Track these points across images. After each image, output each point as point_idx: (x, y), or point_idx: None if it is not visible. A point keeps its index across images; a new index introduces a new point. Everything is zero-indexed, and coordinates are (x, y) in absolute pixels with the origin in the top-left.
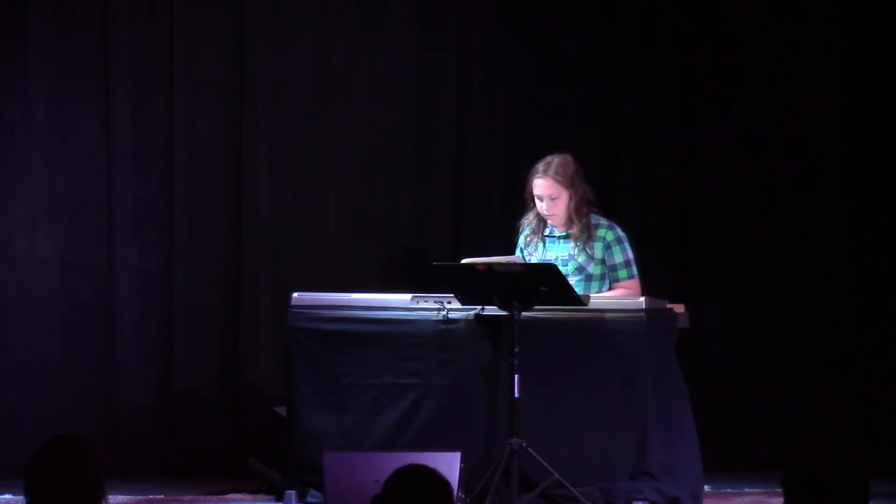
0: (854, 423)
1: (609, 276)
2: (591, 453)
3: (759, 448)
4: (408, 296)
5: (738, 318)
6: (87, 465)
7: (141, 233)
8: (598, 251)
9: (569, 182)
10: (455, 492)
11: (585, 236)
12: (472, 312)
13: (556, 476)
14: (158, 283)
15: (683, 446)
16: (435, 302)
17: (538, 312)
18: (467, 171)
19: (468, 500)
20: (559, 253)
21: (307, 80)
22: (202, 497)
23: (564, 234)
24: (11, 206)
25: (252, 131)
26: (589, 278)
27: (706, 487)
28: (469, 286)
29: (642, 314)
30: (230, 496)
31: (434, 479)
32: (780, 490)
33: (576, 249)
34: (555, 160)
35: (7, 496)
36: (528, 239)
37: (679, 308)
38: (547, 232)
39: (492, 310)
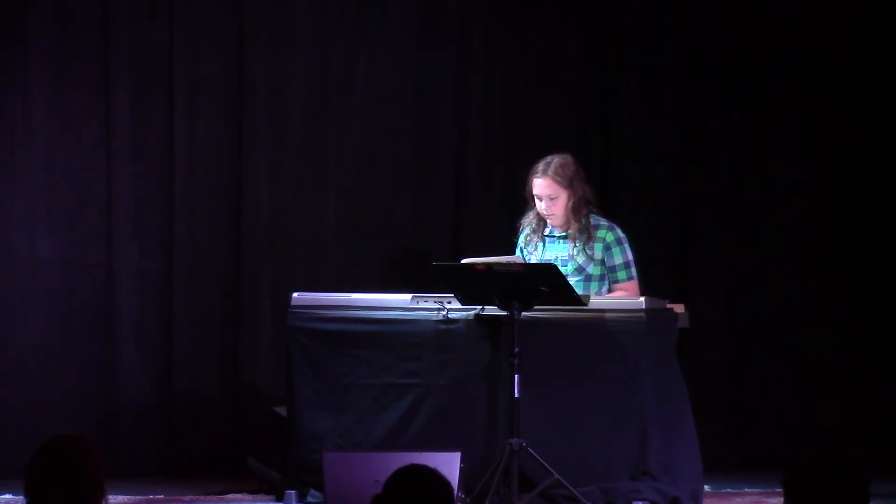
0: (854, 423)
1: (608, 277)
2: (591, 453)
3: (759, 448)
4: (408, 296)
5: (738, 318)
6: (87, 465)
7: (141, 233)
8: (598, 252)
9: (568, 182)
10: (455, 492)
11: (585, 237)
12: (472, 312)
13: (556, 476)
14: (158, 283)
15: (683, 446)
16: (435, 302)
17: (538, 312)
18: (467, 171)
19: (468, 500)
20: (559, 253)
21: (307, 80)
22: (202, 497)
23: (564, 234)
24: (11, 206)
25: (252, 131)
26: (588, 279)
27: (706, 487)
28: (469, 286)
29: (642, 314)
30: (230, 496)
31: (434, 479)
32: (780, 490)
33: (575, 250)
34: (554, 160)
35: (7, 496)
36: (528, 239)
37: (679, 308)
38: (547, 232)
39: (492, 310)
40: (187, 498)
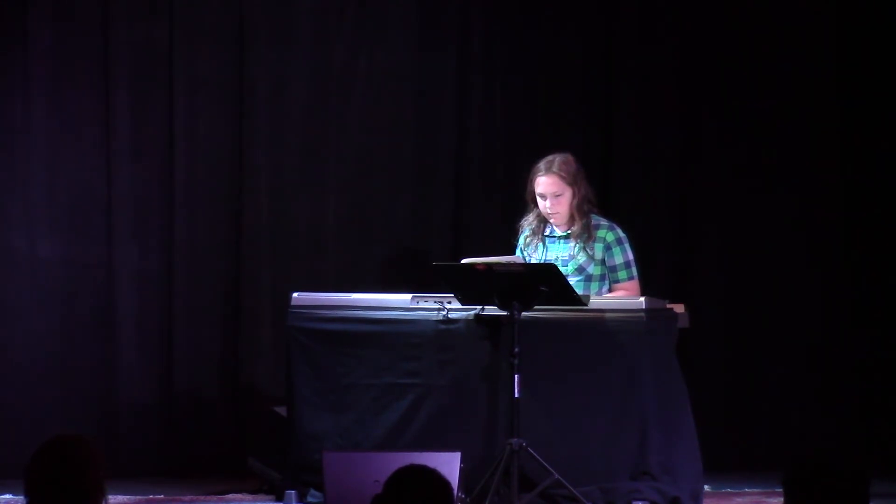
0: (854, 423)
1: (609, 277)
2: (591, 453)
3: (759, 448)
4: (408, 296)
5: (738, 318)
6: (87, 465)
7: (141, 233)
8: (599, 252)
9: (572, 179)
10: (455, 492)
11: (585, 236)
12: (472, 312)
13: (556, 476)
14: (158, 283)
15: (683, 446)
16: (435, 302)
17: (538, 312)
18: (467, 171)
19: (468, 500)
20: (559, 253)
21: (307, 79)
22: (202, 497)
23: (565, 234)
24: (11, 206)
25: (252, 131)
26: (589, 279)
27: (706, 487)
28: (469, 286)
29: (642, 314)
30: (230, 496)
31: (434, 479)
32: (780, 490)
33: (576, 249)
34: (557, 158)
35: (7, 496)
36: (528, 240)
37: (679, 308)
38: (547, 232)
39: (492, 310)
40: (187, 498)
